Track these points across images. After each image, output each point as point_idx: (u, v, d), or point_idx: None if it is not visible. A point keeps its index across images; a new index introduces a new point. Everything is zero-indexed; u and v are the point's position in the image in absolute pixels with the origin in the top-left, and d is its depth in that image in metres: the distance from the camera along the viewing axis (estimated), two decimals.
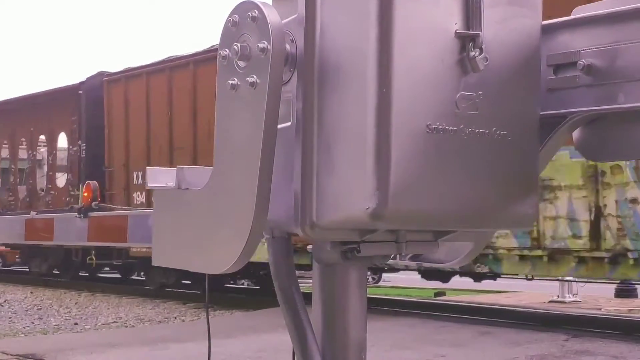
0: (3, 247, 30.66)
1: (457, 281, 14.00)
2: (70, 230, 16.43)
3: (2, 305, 14.62)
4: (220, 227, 1.57)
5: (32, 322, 12.20)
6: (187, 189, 1.67)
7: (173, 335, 9.88)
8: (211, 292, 15.44)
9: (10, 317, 12.76)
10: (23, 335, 11.01)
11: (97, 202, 15.54)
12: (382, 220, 1.42)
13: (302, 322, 1.63)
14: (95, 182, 16.01)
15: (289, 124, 1.53)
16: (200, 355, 7.64)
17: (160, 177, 1.76)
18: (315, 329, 1.64)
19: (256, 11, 1.45)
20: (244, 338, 8.60)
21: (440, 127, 1.42)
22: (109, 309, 13.87)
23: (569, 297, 14.43)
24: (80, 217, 15.81)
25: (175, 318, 12.52)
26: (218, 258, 1.58)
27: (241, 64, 1.50)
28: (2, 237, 19.21)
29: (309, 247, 1.64)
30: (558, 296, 14.58)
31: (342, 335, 1.63)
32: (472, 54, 1.43)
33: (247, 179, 1.49)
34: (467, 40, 1.43)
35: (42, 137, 19.13)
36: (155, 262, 1.76)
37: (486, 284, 13.94)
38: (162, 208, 1.73)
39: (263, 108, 1.46)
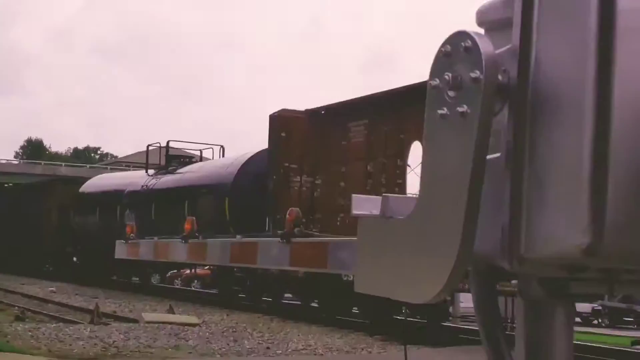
0: (203, 271, 32.20)
1: None
2: (273, 255, 16.91)
3: (200, 326, 15.31)
4: (424, 257, 1.56)
5: (228, 344, 12.69)
6: (392, 217, 1.68)
7: None
8: (393, 326, 15.43)
9: (207, 338, 13.33)
10: (219, 355, 11.47)
11: (299, 229, 15.95)
12: (596, 257, 1.36)
13: None
14: (298, 209, 16.48)
15: (498, 155, 1.50)
16: None
17: (365, 205, 1.77)
18: None
19: (469, 41, 1.44)
20: None
21: None
22: (299, 335, 14.18)
23: None
24: (283, 242, 16.23)
25: (362, 349, 12.60)
26: (422, 288, 1.56)
27: (451, 94, 1.49)
28: (210, 258, 20.08)
29: (513, 282, 1.60)
30: None
31: None
32: None
33: (453, 210, 1.47)
34: None
35: None
36: (358, 289, 1.77)
37: None
38: (366, 235, 1.75)
39: (473, 138, 1.44)
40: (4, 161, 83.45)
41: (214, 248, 19.65)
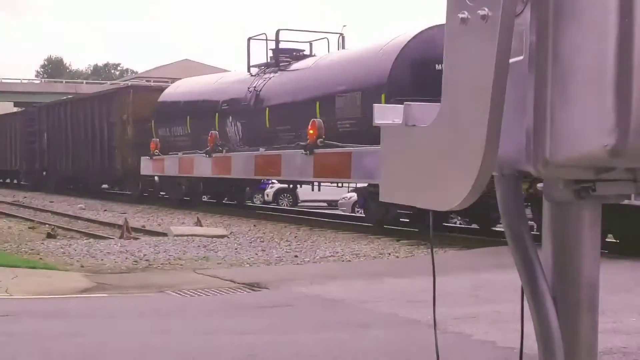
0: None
1: None
2: (297, 166, 16.88)
3: (228, 237, 15.52)
4: (448, 164, 1.55)
5: (256, 254, 12.88)
6: (414, 125, 1.67)
7: (388, 271, 10.08)
8: (427, 230, 15.54)
9: (236, 248, 13.54)
10: (248, 265, 11.66)
11: (322, 139, 15.84)
12: (622, 157, 1.35)
13: (532, 261, 1.60)
14: (321, 120, 16.27)
15: (521, 57, 1.48)
16: (416, 290, 7.75)
17: (388, 114, 1.77)
18: (545, 268, 1.61)
19: None
20: (460, 276, 8.60)
21: None
22: (326, 243, 14.35)
23: None
24: (306, 154, 16.18)
25: (390, 254, 12.75)
26: (446, 195, 1.57)
27: None
28: (235, 172, 20.04)
29: (539, 184, 1.60)
30: None
31: (573, 275, 1.59)
32: None
33: (477, 115, 1.46)
34: None
35: None
36: (382, 198, 1.78)
37: None
38: (389, 145, 1.75)
39: (495, 41, 1.42)
40: (25, 81, 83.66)
41: (238, 161, 19.73)
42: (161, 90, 27.85)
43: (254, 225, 18.21)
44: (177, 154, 23.47)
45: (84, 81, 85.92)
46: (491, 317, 6.23)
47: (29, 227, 19.47)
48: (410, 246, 13.77)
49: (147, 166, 25.12)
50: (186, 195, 25.14)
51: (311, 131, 16.13)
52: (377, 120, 1.76)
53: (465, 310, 6.50)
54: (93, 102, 32.20)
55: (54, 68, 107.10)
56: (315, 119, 16.39)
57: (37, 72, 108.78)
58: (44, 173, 38.11)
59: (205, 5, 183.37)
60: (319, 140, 15.97)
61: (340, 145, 15.61)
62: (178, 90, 26.09)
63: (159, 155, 24.27)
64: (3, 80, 78.34)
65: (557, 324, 1.60)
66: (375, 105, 1.76)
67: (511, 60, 1.48)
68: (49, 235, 16.57)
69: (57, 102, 38.91)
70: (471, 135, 1.49)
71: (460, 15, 1.50)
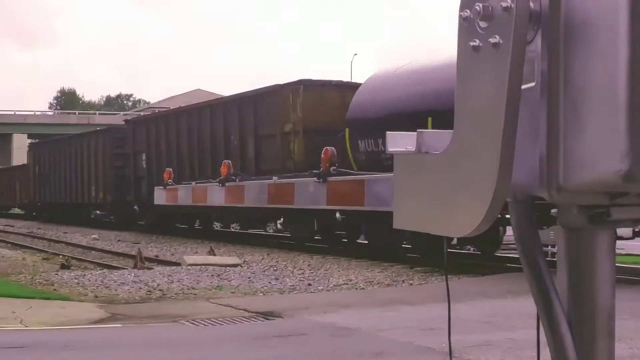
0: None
1: None
2: (310, 194, 16.78)
3: (241, 266, 15.51)
4: (461, 191, 1.56)
5: (270, 282, 12.85)
6: (427, 152, 1.68)
7: (403, 298, 10.04)
8: (439, 257, 15.50)
9: (249, 277, 13.52)
10: (262, 294, 11.64)
11: (335, 167, 15.83)
12: (635, 182, 1.35)
13: (547, 287, 1.59)
14: (333, 147, 16.25)
15: (532, 84, 1.49)
16: (432, 317, 7.71)
17: (400, 141, 1.77)
18: (561, 295, 1.60)
19: None
20: (473, 303, 8.56)
21: None
22: (339, 271, 14.32)
23: None
24: (319, 182, 16.13)
25: (404, 281, 12.70)
26: (460, 222, 1.57)
27: (483, 24, 1.47)
28: (248, 201, 19.84)
29: (553, 210, 1.60)
30: None
31: (589, 302, 1.58)
32: None
33: (489, 142, 1.47)
34: None
35: None
36: (396, 225, 1.78)
37: None
38: (402, 172, 1.75)
39: (507, 68, 1.42)
40: (38, 113, 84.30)
41: (251, 190, 19.68)
42: (352, 86, 18.97)
43: (267, 254, 18.20)
44: (191, 184, 23.43)
45: (97, 112, 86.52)
46: (505, 345, 6.19)
47: (43, 258, 19.52)
48: (424, 273, 13.71)
49: (160, 196, 25.08)
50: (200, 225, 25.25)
51: (324, 159, 16.13)
52: (390, 148, 1.77)
53: (480, 338, 6.46)
54: (229, 109, 22.12)
55: (67, 100, 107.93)
56: (328, 147, 16.41)
57: (51, 104, 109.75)
58: (136, 207, 28.40)
59: (217, 35, 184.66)
60: (332, 168, 15.98)
61: (353, 173, 15.63)
62: (387, 82, 16.76)
63: (172, 184, 24.23)
64: (17, 113, 79.00)
65: (574, 350, 1.60)
66: (388, 133, 1.77)
67: (523, 87, 1.49)
68: (63, 266, 16.61)
69: (164, 112, 29.64)
70: (484, 161, 1.50)
71: (472, 44, 1.51)
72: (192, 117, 24.69)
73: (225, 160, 21.14)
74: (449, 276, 12.84)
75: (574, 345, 1.58)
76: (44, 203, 39.72)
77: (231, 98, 23.24)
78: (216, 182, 21.19)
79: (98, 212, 35.46)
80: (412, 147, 1.72)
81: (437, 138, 1.67)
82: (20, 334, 7.67)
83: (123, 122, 33.32)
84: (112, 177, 30.34)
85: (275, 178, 18.46)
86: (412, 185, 1.71)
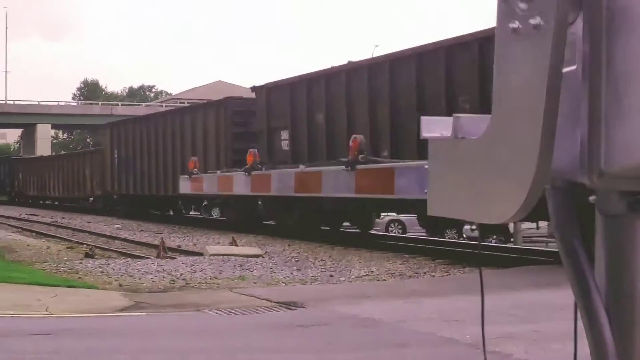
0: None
1: None
2: (338, 183, 16.72)
3: (263, 257, 15.53)
4: (499, 177, 1.53)
5: (292, 273, 12.86)
6: (464, 138, 1.65)
7: (425, 290, 10.01)
8: (460, 252, 15.45)
9: (271, 268, 13.53)
10: (284, 284, 11.65)
11: (363, 155, 15.57)
12: None
13: (585, 275, 1.56)
14: (362, 135, 16.05)
15: (574, 67, 1.46)
16: (454, 309, 7.67)
17: (435, 127, 1.75)
18: (599, 284, 1.57)
19: None
20: (496, 295, 8.50)
21: None
22: (361, 262, 14.29)
23: None
24: (347, 170, 15.82)
25: (425, 273, 12.66)
26: (497, 209, 1.54)
27: (523, 6, 1.44)
28: (274, 189, 19.47)
29: (592, 197, 1.57)
30: None
31: (629, 291, 1.55)
32: None
33: (529, 127, 1.44)
34: None
35: None
36: (430, 212, 1.76)
37: None
38: (438, 158, 1.73)
39: (548, 51, 1.40)
40: (62, 103, 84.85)
41: (278, 178, 19.34)
42: None
43: (288, 245, 18.21)
44: (217, 172, 23.05)
45: (119, 103, 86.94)
46: (531, 337, 6.14)
47: (67, 247, 19.66)
48: (445, 265, 13.66)
49: (185, 185, 24.64)
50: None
51: (352, 147, 15.82)
52: (425, 134, 1.75)
53: (504, 330, 6.41)
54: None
55: (90, 91, 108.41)
56: (356, 135, 16.15)
57: (74, 94, 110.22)
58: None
59: (238, 26, 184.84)
60: (360, 156, 15.65)
61: (382, 161, 15.38)
62: None
63: (197, 174, 23.84)
64: (42, 103, 79.54)
65: (612, 339, 1.57)
66: (423, 118, 1.75)
67: (564, 70, 1.46)
68: (87, 255, 16.71)
69: (324, 71, 19.47)
70: (523, 147, 1.47)
71: (511, 25, 1.48)
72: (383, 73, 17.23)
73: (251, 149, 20.76)
74: (472, 269, 12.79)
75: (612, 335, 1.55)
76: (125, 196, 32.38)
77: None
78: (242, 171, 20.86)
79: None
80: (447, 133, 1.69)
81: (474, 123, 1.65)
82: (46, 321, 7.72)
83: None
84: (231, 164, 22.90)
85: (302, 166, 18.21)
86: (447, 171, 1.69)
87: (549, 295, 8.85)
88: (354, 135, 16.22)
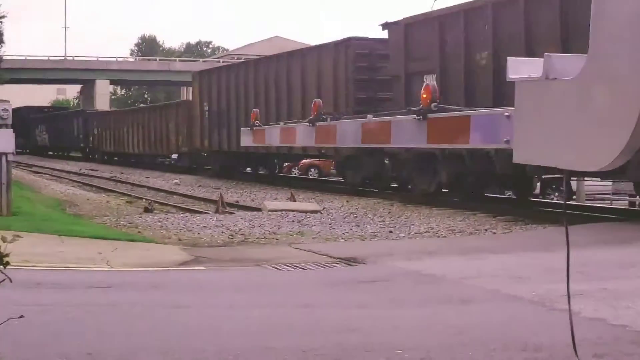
0: (318, 160, 32.32)
1: None
2: (408, 133, 15.84)
3: (321, 213, 15.51)
4: (596, 120, 1.42)
5: (350, 229, 12.81)
6: (556, 78, 1.53)
7: (487, 246, 9.87)
8: (521, 208, 15.18)
9: (330, 224, 13.50)
10: (343, 240, 11.60)
11: (436, 103, 14.93)
12: None
13: None
14: (435, 83, 15.44)
15: None
16: (519, 266, 7.54)
17: (523, 68, 1.63)
18: None
19: None
20: (563, 252, 8.32)
21: None
22: (420, 219, 14.16)
23: None
24: (419, 119, 15.31)
25: (487, 230, 12.48)
26: (593, 154, 1.43)
27: None
28: (340, 141, 18.81)
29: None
30: None
31: None
32: None
33: (632, 65, 1.31)
34: None
35: None
36: (517, 159, 1.66)
37: None
38: (526, 101, 1.62)
39: None
40: (120, 59, 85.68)
41: (344, 130, 18.81)
42: None
43: (347, 201, 18.15)
44: (279, 124, 22.53)
45: (177, 59, 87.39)
46: (599, 294, 5.98)
47: (127, 202, 19.92)
48: (507, 222, 13.46)
49: (247, 138, 24.00)
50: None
51: (424, 95, 15.25)
52: (511, 75, 1.63)
53: (573, 287, 6.21)
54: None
55: (147, 46, 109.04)
56: (429, 83, 15.59)
57: (132, 50, 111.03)
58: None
59: None
60: (432, 105, 15.07)
61: (456, 109, 14.76)
62: None
63: (259, 125, 23.26)
64: (100, 59, 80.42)
65: None
66: (510, 59, 1.63)
67: None
68: (146, 210, 16.90)
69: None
70: (625, 87, 1.35)
71: None
72: None
73: (316, 100, 20.27)
74: (533, 226, 12.58)
75: None
76: (217, 152, 29.07)
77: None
78: (306, 122, 20.32)
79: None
80: (536, 74, 1.58)
81: (568, 62, 1.53)
82: (107, 274, 7.80)
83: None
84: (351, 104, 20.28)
85: (370, 116, 17.65)
86: (536, 115, 1.58)
87: (617, 252, 8.64)
88: (426, 83, 15.40)
